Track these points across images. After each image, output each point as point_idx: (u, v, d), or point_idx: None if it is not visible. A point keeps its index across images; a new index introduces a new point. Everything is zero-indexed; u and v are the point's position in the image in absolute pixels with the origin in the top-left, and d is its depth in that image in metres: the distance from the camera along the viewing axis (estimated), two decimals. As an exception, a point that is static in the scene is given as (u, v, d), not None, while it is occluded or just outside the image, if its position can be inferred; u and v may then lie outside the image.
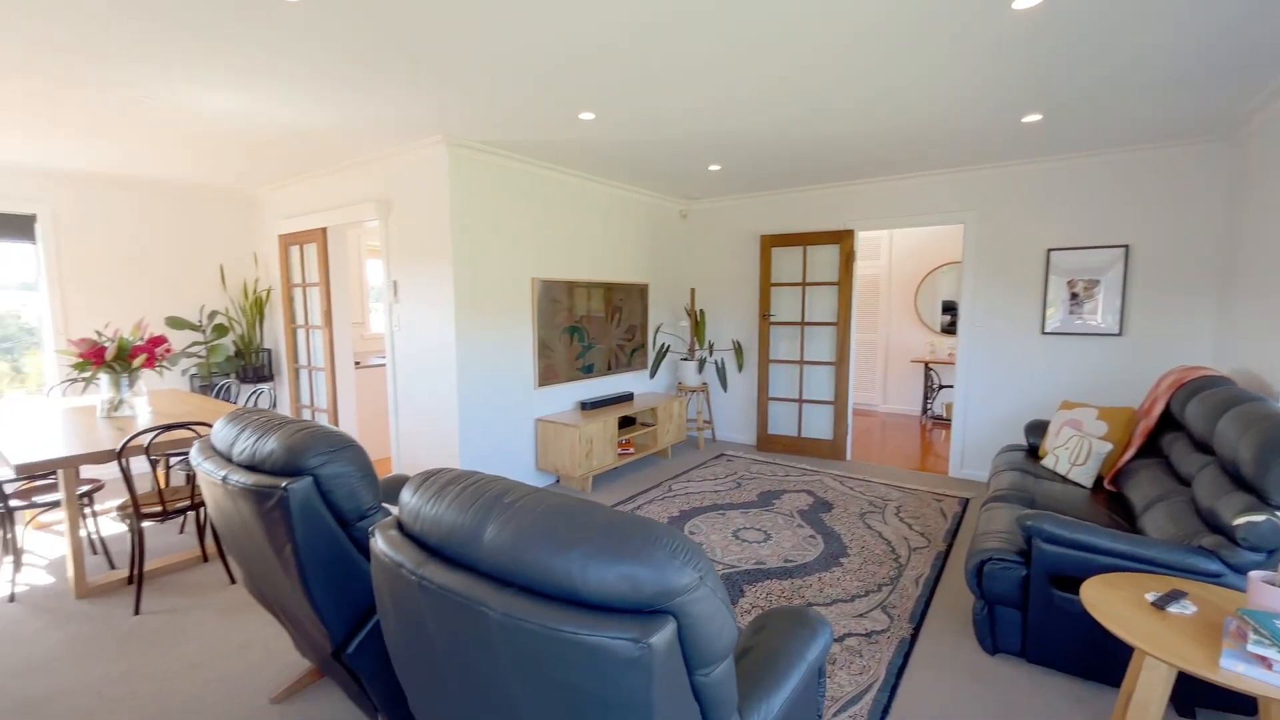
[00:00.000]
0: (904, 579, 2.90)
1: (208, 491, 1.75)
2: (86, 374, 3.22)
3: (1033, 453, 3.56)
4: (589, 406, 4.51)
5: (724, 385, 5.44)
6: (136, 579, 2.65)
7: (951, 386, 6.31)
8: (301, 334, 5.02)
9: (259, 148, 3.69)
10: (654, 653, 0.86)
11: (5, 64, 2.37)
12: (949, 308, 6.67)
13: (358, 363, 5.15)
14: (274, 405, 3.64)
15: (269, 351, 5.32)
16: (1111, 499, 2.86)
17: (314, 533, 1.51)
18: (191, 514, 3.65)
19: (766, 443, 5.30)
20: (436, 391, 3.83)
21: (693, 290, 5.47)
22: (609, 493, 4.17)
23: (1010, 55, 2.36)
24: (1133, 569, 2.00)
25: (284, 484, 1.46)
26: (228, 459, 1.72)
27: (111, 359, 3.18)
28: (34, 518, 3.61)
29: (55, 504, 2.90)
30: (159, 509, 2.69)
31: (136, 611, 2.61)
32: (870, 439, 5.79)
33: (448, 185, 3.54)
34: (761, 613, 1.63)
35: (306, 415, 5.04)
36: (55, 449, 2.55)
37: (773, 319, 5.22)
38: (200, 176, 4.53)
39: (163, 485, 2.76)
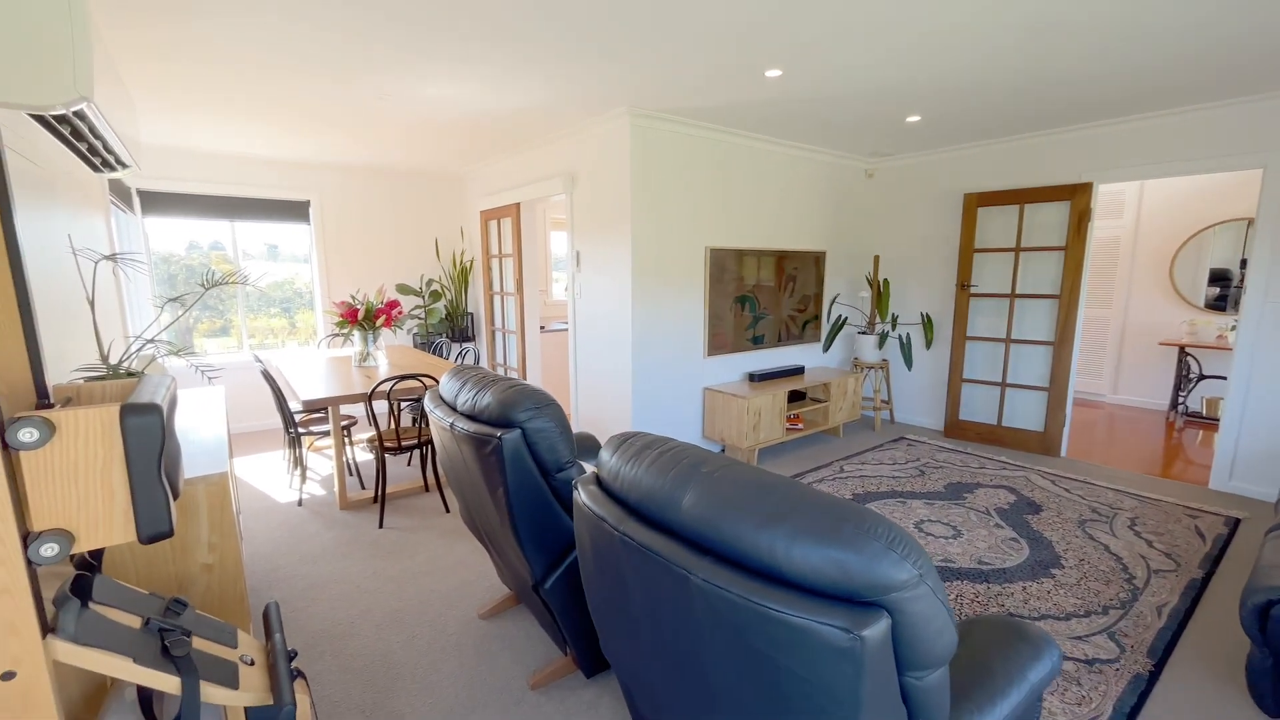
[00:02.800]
0: (1141, 605, 2.42)
1: (437, 435, 2.04)
2: (345, 330, 3.95)
3: (1354, 470, 2.70)
4: (757, 378, 4.43)
5: (908, 363, 4.96)
6: (380, 499, 3.24)
7: (1219, 377, 5.06)
8: (498, 300, 5.62)
9: (467, 132, 4.12)
10: (866, 646, 0.81)
11: (288, 81, 2.93)
12: (1219, 277, 5.28)
13: (542, 327, 5.63)
14: (477, 362, 4.13)
15: (472, 315, 6.05)
16: None
17: (521, 478, 1.69)
18: (418, 451, 4.35)
19: (956, 429, 4.75)
20: (612, 356, 4.04)
21: (876, 258, 5.02)
22: (775, 467, 4.08)
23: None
24: None
25: (499, 434, 1.64)
26: (452, 408, 1.98)
27: (362, 319, 3.87)
28: (313, 442, 4.58)
29: (326, 433, 3.65)
30: (395, 444, 3.24)
31: (380, 525, 3.20)
32: (1092, 434, 4.89)
33: (628, 156, 3.64)
34: (965, 619, 1.46)
35: (501, 373, 5.68)
36: (327, 390, 3.18)
37: (973, 290, 4.59)
38: (421, 161, 5.22)
39: (398, 425, 3.35)
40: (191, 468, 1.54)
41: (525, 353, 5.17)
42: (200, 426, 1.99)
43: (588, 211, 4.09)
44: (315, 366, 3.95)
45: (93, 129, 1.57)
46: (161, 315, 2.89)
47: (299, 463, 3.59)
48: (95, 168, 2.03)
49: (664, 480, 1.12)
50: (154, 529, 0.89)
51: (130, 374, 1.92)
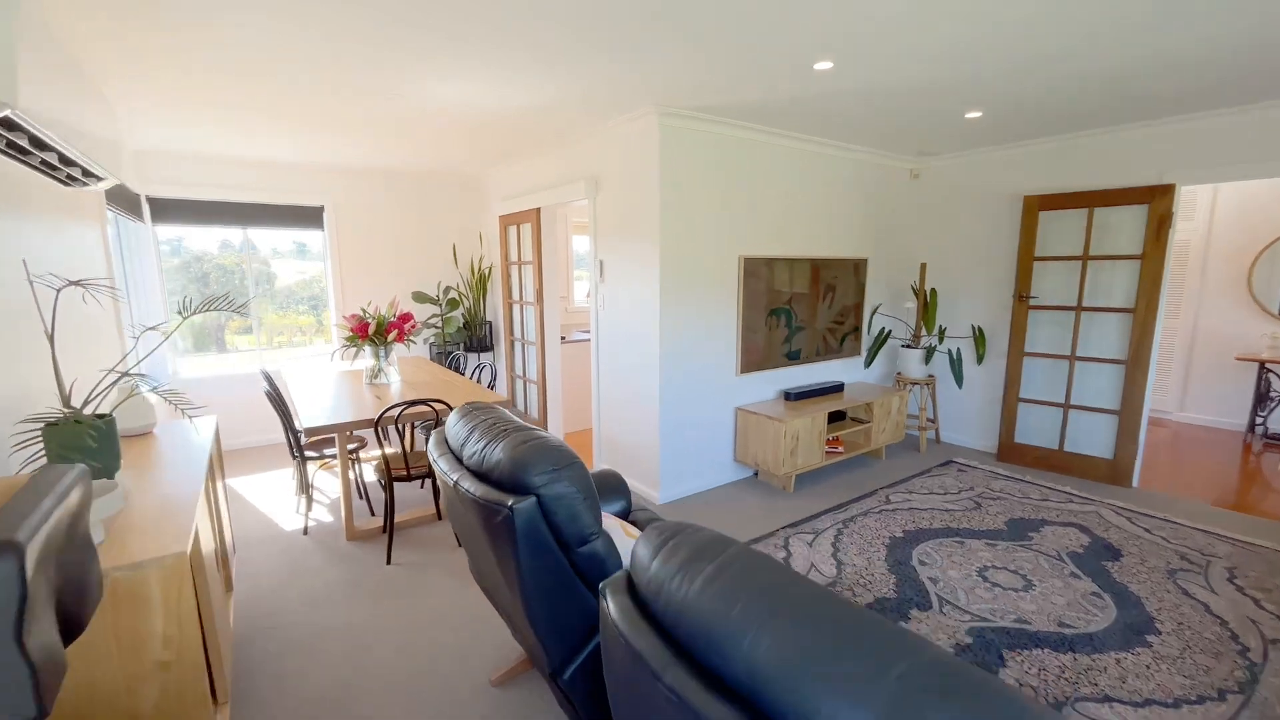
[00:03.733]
0: (1263, 687, 2.05)
1: (442, 488, 1.78)
2: (356, 345, 3.73)
3: None
4: (794, 397, 4.10)
5: (958, 380, 4.58)
6: (388, 531, 3.01)
7: (1308, 398, 4.57)
8: (516, 309, 5.37)
9: (485, 134, 3.87)
10: None
11: (301, 83, 2.69)
12: (1309, 287, 4.79)
13: (563, 338, 5.37)
14: (494, 378, 3.89)
15: (490, 324, 5.81)
16: None
17: (537, 553, 1.41)
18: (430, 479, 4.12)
19: (1012, 452, 4.36)
20: (637, 372, 3.76)
21: (922, 266, 4.64)
22: (814, 496, 3.76)
23: None
24: None
25: (510, 503, 1.37)
26: (459, 458, 1.71)
27: (372, 334, 3.64)
28: (324, 461, 4.38)
29: (334, 456, 3.43)
30: (405, 472, 3.00)
31: (388, 561, 2.97)
32: (1163, 458, 4.45)
33: (656, 158, 3.34)
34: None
35: (520, 386, 5.43)
36: (332, 413, 2.95)
37: (1033, 301, 4.19)
38: (437, 164, 4.99)
39: (409, 448, 3.12)
40: (144, 544, 1.30)
41: (545, 365, 4.91)
42: (166, 481, 1.75)
43: (612, 218, 3.81)
44: (323, 383, 3.74)
45: (35, 140, 1.35)
46: (140, 337, 2.68)
47: (305, 488, 3.38)
48: (62, 181, 1.80)
49: (725, 613, 0.83)
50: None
51: (100, 417, 1.69)
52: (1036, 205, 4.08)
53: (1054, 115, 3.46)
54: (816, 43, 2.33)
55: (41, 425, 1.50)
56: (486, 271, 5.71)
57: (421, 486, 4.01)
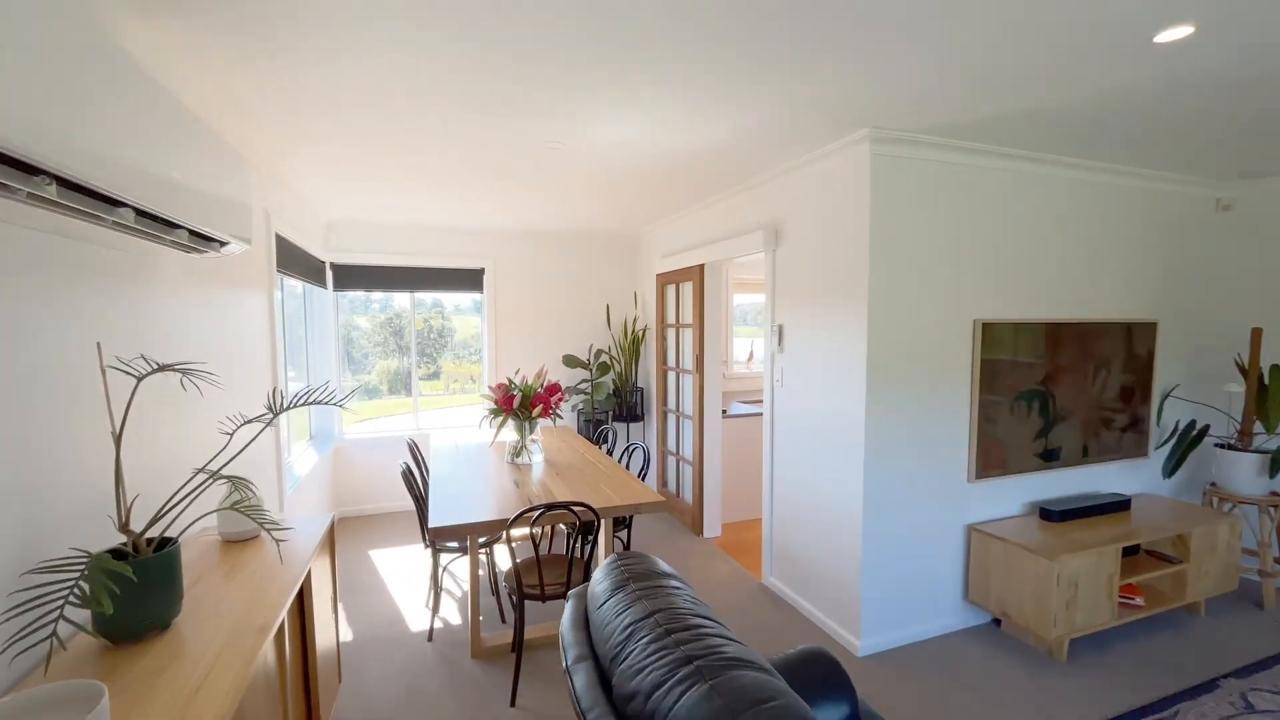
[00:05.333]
0: None
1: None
2: (499, 419, 3.36)
3: None
4: (1056, 515, 2.90)
5: (1330, 504, 2.99)
6: (516, 657, 2.42)
7: None
8: (671, 376, 4.79)
9: (648, 182, 3.42)
10: None
11: (453, 137, 2.43)
12: None
13: (724, 410, 4.65)
14: (646, 463, 3.27)
15: (641, 391, 5.30)
16: None
17: None
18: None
19: None
20: (829, 466, 2.88)
21: (1255, 332, 3.20)
22: (1105, 675, 2.49)
23: None
24: None
25: None
26: (603, 674, 1.03)
27: (517, 407, 3.24)
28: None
29: (465, 549, 3.00)
30: (539, 591, 2.42)
31: (512, 703, 2.36)
32: None
33: (867, 195, 2.57)
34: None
35: (672, 464, 4.77)
36: (462, 507, 2.50)
37: None
38: (594, 223, 4.70)
39: (544, 549, 2.59)
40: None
41: (703, 443, 4.21)
42: (229, 625, 1.29)
43: (797, 273, 3.08)
44: (464, 460, 3.40)
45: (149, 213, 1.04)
46: (239, 426, 2.48)
47: (435, 584, 2.97)
48: (184, 249, 1.54)
49: None
50: None
51: (163, 543, 1.30)
52: None
53: None
54: (1178, -8, 1.45)
55: (72, 563, 1.10)
56: (640, 333, 5.25)
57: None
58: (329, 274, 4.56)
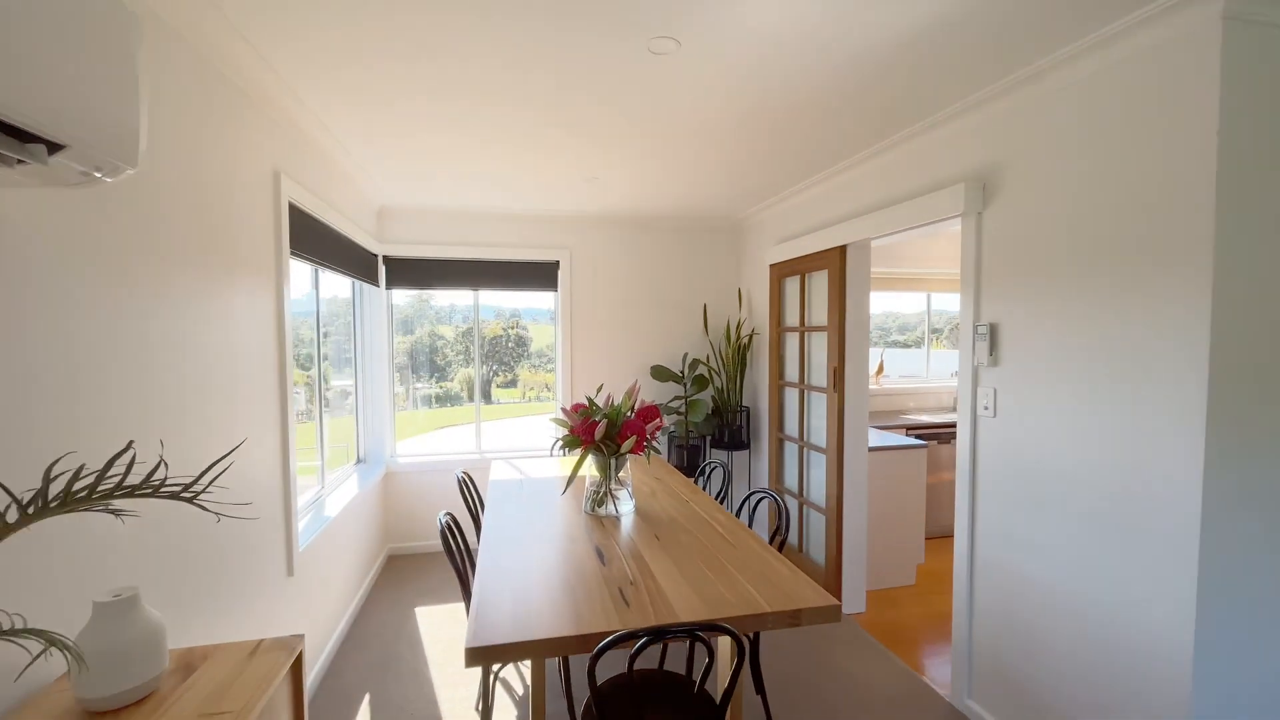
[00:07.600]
0: None
1: None
2: (575, 452, 2.47)
3: None
4: None
5: None
6: None
7: None
8: (791, 394, 3.74)
9: (788, 116, 2.43)
10: None
11: (534, 109, 1.58)
12: None
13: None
14: (783, 523, 2.26)
15: (747, 410, 4.28)
16: None
17: None
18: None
19: None
20: (1101, 556, 1.76)
21: None
22: None
23: None
24: None
25: None
26: None
27: (600, 438, 2.32)
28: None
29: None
30: (638, 757, 1.46)
31: None
32: None
33: (1213, 95, 1.46)
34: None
35: (795, 508, 3.69)
36: (519, 607, 1.60)
37: None
38: (688, 200, 3.76)
39: (639, 660, 1.68)
40: None
41: (842, 485, 3.13)
42: None
43: (1025, 243, 1.99)
44: (527, 507, 2.53)
45: None
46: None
47: (485, 695, 2.10)
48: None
49: None
50: None
51: None
52: None
53: None
54: None
55: None
56: (746, 340, 4.24)
57: None
58: (381, 269, 3.90)
